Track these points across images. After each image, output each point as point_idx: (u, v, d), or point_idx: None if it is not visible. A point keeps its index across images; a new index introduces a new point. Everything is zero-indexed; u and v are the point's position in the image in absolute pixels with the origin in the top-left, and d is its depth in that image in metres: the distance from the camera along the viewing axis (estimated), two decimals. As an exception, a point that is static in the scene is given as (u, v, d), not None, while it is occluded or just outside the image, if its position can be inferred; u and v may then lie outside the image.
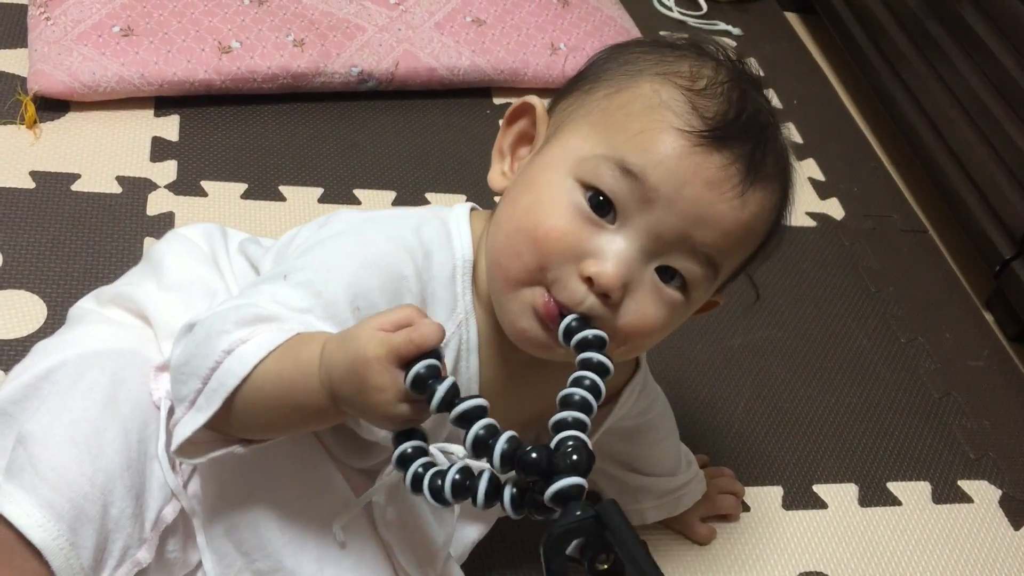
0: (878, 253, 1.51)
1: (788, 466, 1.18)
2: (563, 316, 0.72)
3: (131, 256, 1.16)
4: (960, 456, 1.25)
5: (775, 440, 1.21)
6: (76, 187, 1.25)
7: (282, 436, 0.75)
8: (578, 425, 0.62)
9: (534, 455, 0.59)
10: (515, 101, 0.82)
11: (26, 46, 1.39)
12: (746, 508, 1.12)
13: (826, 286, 1.43)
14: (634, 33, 1.68)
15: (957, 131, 1.51)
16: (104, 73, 1.33)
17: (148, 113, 1.37)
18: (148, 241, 1.20)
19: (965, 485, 1.21)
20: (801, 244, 1.48)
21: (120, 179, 1.28)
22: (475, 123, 1.50)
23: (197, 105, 1.40)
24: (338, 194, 1.34)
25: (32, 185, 1.24)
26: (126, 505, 0.76)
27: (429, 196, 1.37)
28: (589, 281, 0.71)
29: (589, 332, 0.69)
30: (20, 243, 1.17)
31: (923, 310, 1.44)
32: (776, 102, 1.70)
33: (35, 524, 0.71)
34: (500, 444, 0.59)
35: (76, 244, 1.18)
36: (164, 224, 1.22)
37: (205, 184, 1.30)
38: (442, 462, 0.64)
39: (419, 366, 0.61)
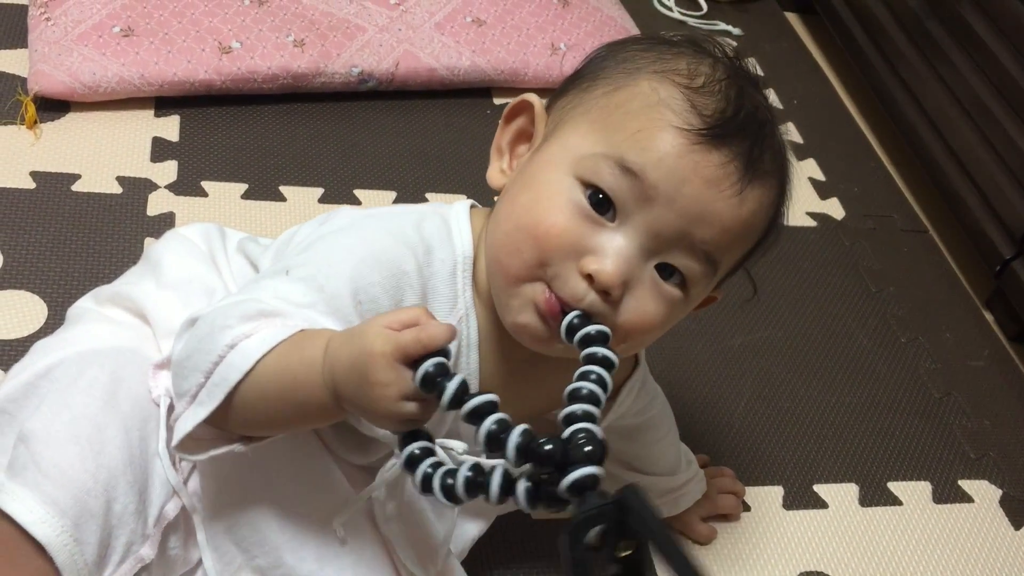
0: (878, 253, 1.51)
1: (789, 466, 1.18)
2: (564, 313, 0.72)
3: (131, 256, 1.16)
4: (960, 456, 1.25)
5: (775, 440, 1.21)
6: (76, 187, 1.25)
7: (283, 433, 0.75)
8: (588, 417, 0.62)
9: (549, 447, 0.59)
10: (513, 99, 0.82)
11: (26, 46, 1.39)
12: (746, 508, 1.12)
13: (826, 286, 1.43)
14: (634, 33, 1.68)
15: (957, 131, 1.51)
16: (104, 73, 1.33)
17: (148, 113, 1.37)
18: (148, 241, 1.20)
19: (966, 485, 1.21)
20: (801, 244, 1.48)
21: (120, 179, 1.28)
22: (475, 123, 1.50)
23: (197, 105, 1.40)
24: (338, 194, 1.34)
25: (32, 185, 1.24)
26: (129, 501, 0.76)
27: (429, 196, 1.37)
28: (589, 278, 0.72)
29: (592, 328, 0.70)
30: (20, 243, 1.17)
31: (923, 310, 1.44)
32: (776, 102, 1.70)
33: (38, 520, 0.71)
34: (514, 438, 0.59)
35: (76, 244, 1.18)
36: (164, 224, 1.23)
37: (205, 184, 1.30)
38: (447, 460, 0.64)
39: (428, 364, 0.61)
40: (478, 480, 0.61)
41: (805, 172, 1.60)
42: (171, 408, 0.80)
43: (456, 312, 0.78)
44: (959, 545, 1.14)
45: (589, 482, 0.58)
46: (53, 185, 1.24)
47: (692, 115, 0.72)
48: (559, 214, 0.73)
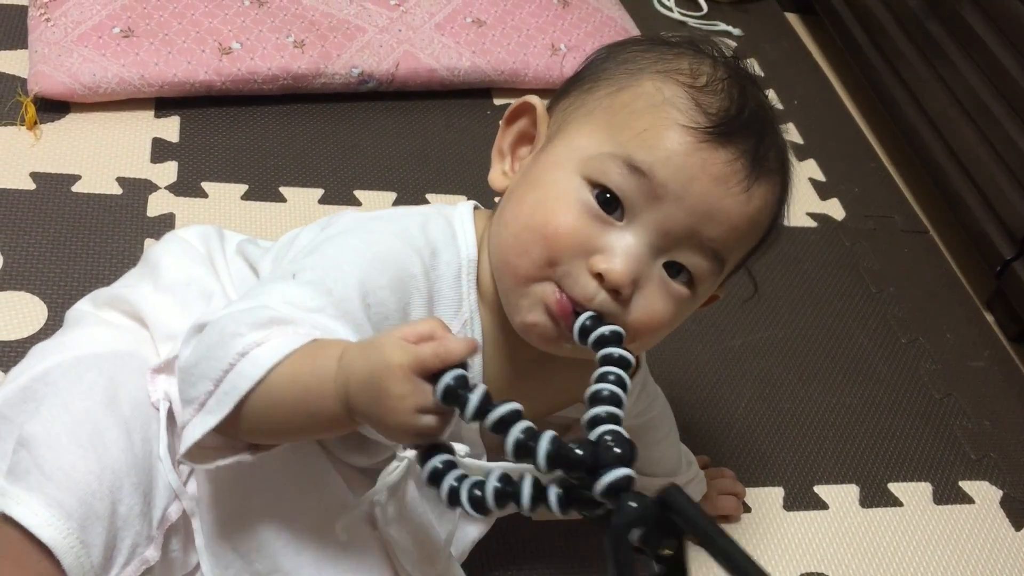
0: (879, 253, 1.51)
1: (789, 467, 1.18)
2: (576, 313, 0.72)
3: (131, 257, 1.16)
4: (961, 457, 1.25)
5: (776, 441, 1.21)
6: (76, 188, 1.25)
7: (291, 442, 0.75)
8: (613, 419, 0.62)
9: (579, 452, 0.59)
10: (515, 101, 0.82)
11: (26, 47, 1.39)
12: (747, 509, 1.12)
13: (827, 286, 1.43)
14: (634, 34, 1.68)
15: (957, 131, 1.51)
16: (104, 74, 1.33)
17: (148, 114, 1.37)
18: (148, 242, 1.20)
19: (966, 486, 1.21)
20: (802, 244, 1.48)
21: (120, 180, 1.28)
22: (475, 124, 1.50)
23: (197, 106, 1.40)
24: (339, 195, 1.34)
25: (32, 186, 1.24)
26: (135, 503, 0.76)
27: (430, 197, 1.37)
28: (599, 277, 0.72)
29: (606, 328, 0.70)
30: (20, 244, 1.17)
31: (924, 310, 1.44)
32: (776, 102, 1.70)
33: (44, 523, 0.71)
34: (544, 445, 0.59)
35: (76, 245, 1.18)
36: (164, 225, 1.22)
37: (206, 185, 1.30)
38: (469, 470, 0.64)
39: (448, 376, 0.60)
40: (507, 490, 0.60)
41: (805, 172, 1.60)
42: (171, 412, 0.80)
43: (461, 315, 0.78)
44: (959, 546, 1.14)
45: (624, 483, 0.58)
46: (53, 186, 1.24)
47: (697, 113, 0.72)
48: (568, 213, 0.73)
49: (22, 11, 1.44)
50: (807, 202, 1.55)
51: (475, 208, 0.83)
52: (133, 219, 1.23)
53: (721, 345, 1.29)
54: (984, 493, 1.21)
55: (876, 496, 1.18)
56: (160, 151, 1.33)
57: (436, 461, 0.62)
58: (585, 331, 0.71)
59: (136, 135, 1.34)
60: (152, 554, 0.77)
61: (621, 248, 0.72)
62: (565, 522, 0.99)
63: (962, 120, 1.50)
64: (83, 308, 0.90)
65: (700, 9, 1.90)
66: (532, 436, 0.59)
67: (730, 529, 1.09)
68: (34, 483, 0.72)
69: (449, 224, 0.80)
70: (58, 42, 1.35)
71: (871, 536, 1.13)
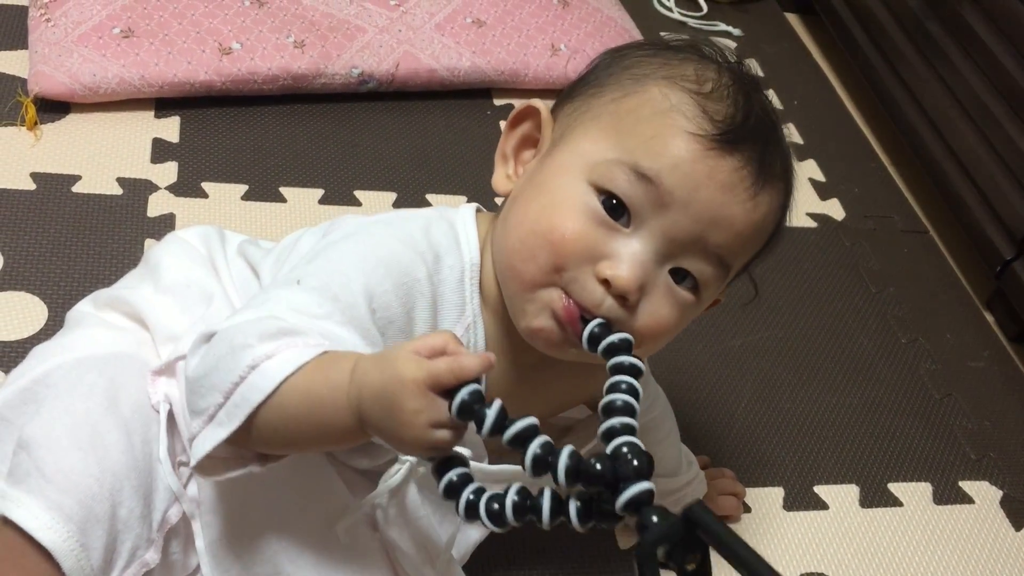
0: (879, 254, 1.51)
1: (789, 467, 1.18)
2: (583, 319, 0.72)
3: (132, 258, 1.16)
4: (961, 457, 1.25)
5: (776, 441, 1.21)
6: (77, 189, 1.25)
7: (301, 453, 0.75)
8: (628, 430, 0.62)
9: (599, 467, 0.59)
10: (517, 104, 0.82)
11: (26, 48, 1.39)
12: (747, 509, 1.12)
13: (827, 287, 1.43)
14: (635, 34, 1.68)
15: (957, 131, 1.51)
16: (104, 74, 1.33)
17: (149, 114, 1.37)
18: (149, 243, 1.20)
19: (966, 486, 1.21)
20: (802, 245, 1.48)
21: (121, 180, 1.28)
22: (476, 124, 1.50)
23: (198, 106, 1.40)
24: (339, 195, 1.34)
25: (33, 187, 1.24)
26: (135, 505, 0.76)
27: (430, 197, 1.37)
28: (606, 283, 0.72)
29: (616, 336, 0.70)
30: (21, 245, 1.17)
31: (924, 311, 1.44)
32: (776, 102, 1.70)
33: (44, 526, 0.71)
34: (563, 461, 0.59)
35: (77, 246, 1.18)
36: (165, 226, 1.22)
37: (206, 185, 1.30)
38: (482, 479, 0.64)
39: (464, 392, 0.60)
40: (527, 504, 0.61)
41: (805, 173, 1.60)
42: (171, 414, 0.80)
43: (464, 319, 0.78)
44: (960, 546, 1.14)
45: (645, 497, 0.58)
46: (53, 186, 1.24)
47: (704, 120, 0.72)
48: (575, 219, 0.73)
49: (22, 11, 1.44)
50: (807, 202, 1.56)
51: (477, 211, 0.83)
52: (133, 219, 1.23)
53: (721, 345, 1.29)
54: (984, 493, 1.21)
55: (876, 496, 1.18)
56: (160, 151, 1.33)
57: (452, 475, 0.62)
58: (594, 339, 0.70)
59: (136, 135, 1.34)
60: (152, 557, 0.77)
61: (628, 255, 0.72)
62: (565, 524, 0.99)
63: (962, 120, 1.51)
64: (84, 309, 0.89)
65: (700, 9, 1.90)
66: (550, 451, 0.59)
67: (730, 529, 1.10)
68: (34, 486, 0.72)
69: (452, 227, 0.80)
70: (58, 42, 1.35)
71: (871, 536, 1.13)
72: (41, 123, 1.31)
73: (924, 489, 1.20)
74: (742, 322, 1.33)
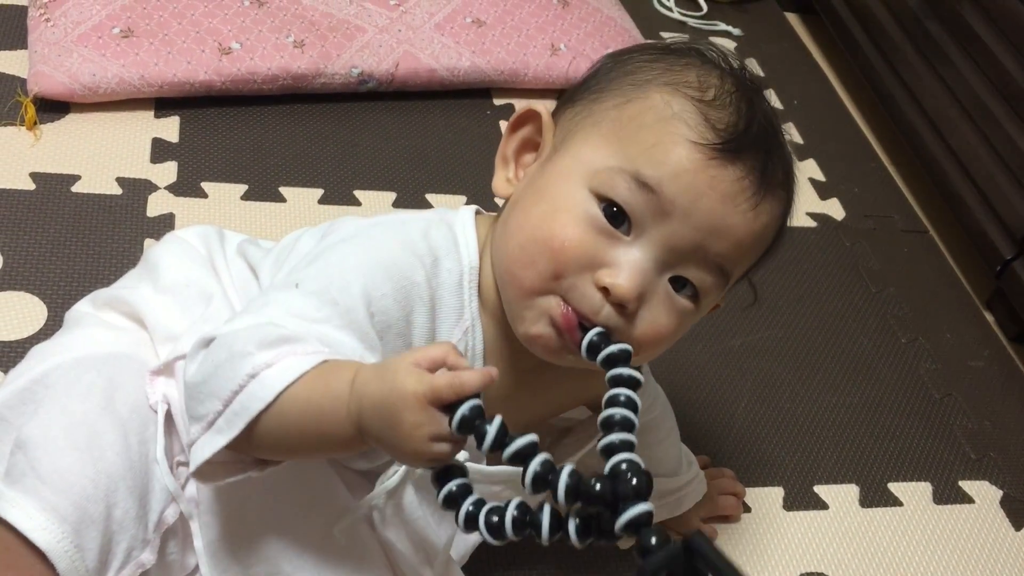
0: (878, 253, 1.51)
1: (789, 467, 1.18)
2: (582, 327, 0.72)
3: (131, 257, 1.16)
4: (961, 456, 1.25)
5: (776, 441, 1.21)
6: (76, 188, 1.25)
7: (300, 459, 0.75)
8: (627, 447, 0.63)
9: (599, 487, 0.59)
10: (518, 106, 0.82)
11: (26, 47, 1.39)
12: (747, 509, 1.12)
13: (827, 286, 1.43)
14: (634, 34, 1.68)
15: (957, 131, 1.51)
16: (104, 74, 1.33)
17: (148, 114, 1.37)
18: (148, 242, 1.20)
19: (966, 485, 1.21)
20: (802, 244, 1.48)
21: (120, 180, 1.28)
22: (475, 124, 1.50)
23: (197, 106, 1.40)
24: (338, 195, 1.34)
25: (32, 186, 1.24)
26: (130, 506, 0.76)
27: (429, 197, 1.37)
28: (605, 291, 0.72)
29: (615, 347, 0.69)
30: (20, 245, 1.17)
31: (924, 310, 1.44)
32: (776, 102, 1.70)
33: (38, 527, 0.71)
34: (563, 479, 0.59)
35: (76, 245, 1.18)
36: (164, 225, 1.22)
37: (205, 185, 1.30)
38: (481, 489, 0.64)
39: (465, 407, 0.61)
40: (526, 519, 0.61)
41: (805, 172, 1.60)
42: (168, 414, 0.80)
43: (463, 323, 0.78)
44: (960, 546, 1.14)
45: (644, 519, 0.59)
46: (53, 186, 1.24)
47: (706, 129, 0.72)
48: (575, 227, 0.72)
49: (22, 11, 1.44)
50: (807, 202, 1.55)
51: (477, 213, 0.83)
52: (133, 219, 1.23)
53: (721, 345, 1.29)
54: (984, 493, 1.21)
55: (876, 496, 1.18)
56: (160, 151, 1.33)
57: (452, 485, 0.63)
58: (593, 348, 0.70)
59: (136, 135, 1.34)
60: (148, 557, 0.77)
61: (627, 263, 0.72)
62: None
63: (962, 120, 1.50)
64: (83, 309, 0.89)
65: (700, 9, 1.90)
66: (551, 469, 0.60)
67: (730, 529, 1.10)
68: (29, 486, 0.72)
69: (451, 230, 0.79)
70: (58, 42, 1.35)
71: (871, 536, 1.13)
72: (41, 123, 1.31)
73: (924, 489, 1.20)
74: (742, 322, 1.33)
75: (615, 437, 0.63)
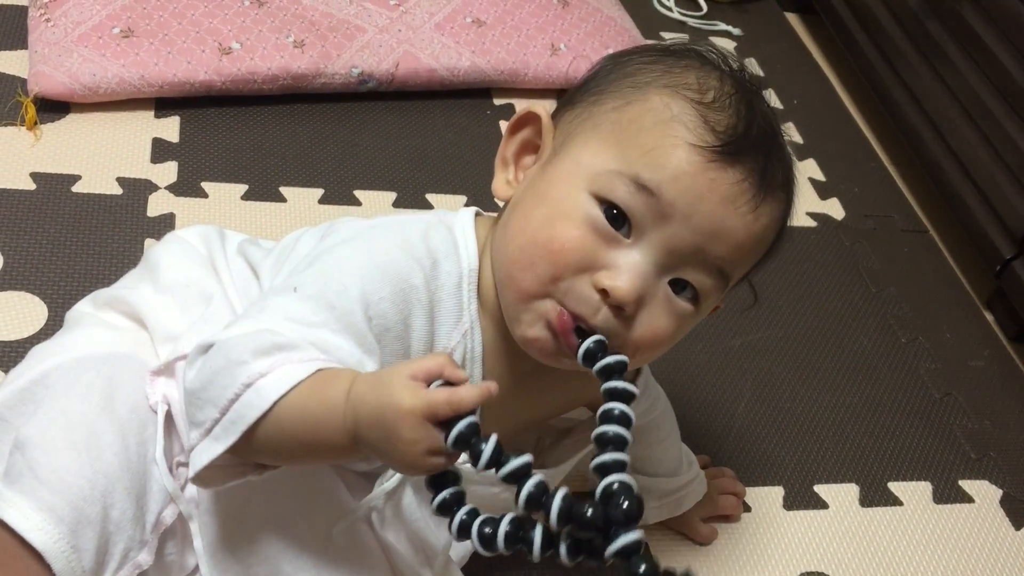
0: (879, 253, 1.51)
1: (789, 466, 1.18)
2: (579, 330, 0.72)
3: (132, 257, 1.16)
4: (961, 456, 1.25)
5: (776, 440, 1.21)
6: (76, 188, 1.25)
7: (299, 465, 0.75)
8: (619, 467, 0.63)
9: (590, 513, 0.60)
10: (519, 106, 0.82)
11: (26, 47, 1.39)
12: (747, 508, 1.12)
13: (827, 286, 1.43)
14: (634, 34, 1.68)
15: (957, 131, 1.51)
16: (104, 74, 1.33)
17: (148, 114, 1.37)
18: (149, 242, 1.20)
19: (966, 485, 1.21)
20: (802, 244, 1.48)
21: (121, 180, 1.28)
22: (475, 124, 1.50)
23: (197, 106, 1.40)
24: (339, 195, 1.34)
25: (33, 186, 1.24)
26: (127, 507, 0.76)
27: (429, 197, 1.37)
28: (604, 293, 0.71)
29: (611, 359, 0.69)
30: (21, 244, 1.17)
31: (924, 310, 1.44)
32: (776, 102, 1.70)
33: (35, 528, 0.71)
34: (556, 503, 0.60)
35: (77, 245, 1.18)
36: (165, 225, 1.22)
37: (206, 185, 1.30)
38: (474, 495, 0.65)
39: (461, 425, 0.61)
40: (519, 534, 0.62)
41: (805, 172, 1.60)
42: (169, 415, 0.80)
43: (461, 325, 0.78)
44: (960, 545, 1.14)
45: (634, 547, 0.59)
46: (53, 186, 1.24)
47: (706, 131, 0.72)
48: (575, 229, 0.72)
49: (22, 11, 1.44)
50: (807, 202, 1.55)
51: (477, 214, 0.83)
52: (133, 219, 1.23)
53: (721, 345, 1.29)
54: (984, 492, 1.21)
55: (876, 495, 1.18)
56: (160, 151, 1.33)
57: (446, 494, 0.63)
58: (590, 356, 0.70)
59: (136, 135, 1.34)
60: (145, 558, 0.77)
61: (627, 265, 0.72)
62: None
63: (962, 120, 1.50)
64: (83, 309, 0.90)
65: (700, 9, 1.90)
66: (544, 492, 0.61)
67: (730, 529, 1.10)
68: (27, 486, 0.72)
69: (451, 232, 0.79)
70: (58, 42, 1.35)
71: (871, 535, 1.13)
72: (41, 123, 1.32)
73: (924, 488, 1.20)
74: (742, 322, 1.33)
75: (608, 457, 0.63)
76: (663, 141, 0.72)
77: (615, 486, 0.61)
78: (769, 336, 1.33)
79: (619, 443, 0.64)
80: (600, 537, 0.60)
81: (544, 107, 0.81)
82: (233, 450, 0.69)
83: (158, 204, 1.26)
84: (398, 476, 0.77)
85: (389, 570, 0.82)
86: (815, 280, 1.43)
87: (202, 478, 0.71)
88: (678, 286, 0.74)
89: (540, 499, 0.61)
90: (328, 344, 0.70)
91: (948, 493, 1.20)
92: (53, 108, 1.33)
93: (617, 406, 0.66)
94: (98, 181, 1.27)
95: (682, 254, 0.73)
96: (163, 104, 1.39)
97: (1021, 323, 1.42)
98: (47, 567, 0.71)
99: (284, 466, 0.74)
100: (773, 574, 1.07)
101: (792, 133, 1.64)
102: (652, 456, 1.00)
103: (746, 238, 0.74)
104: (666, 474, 1.02)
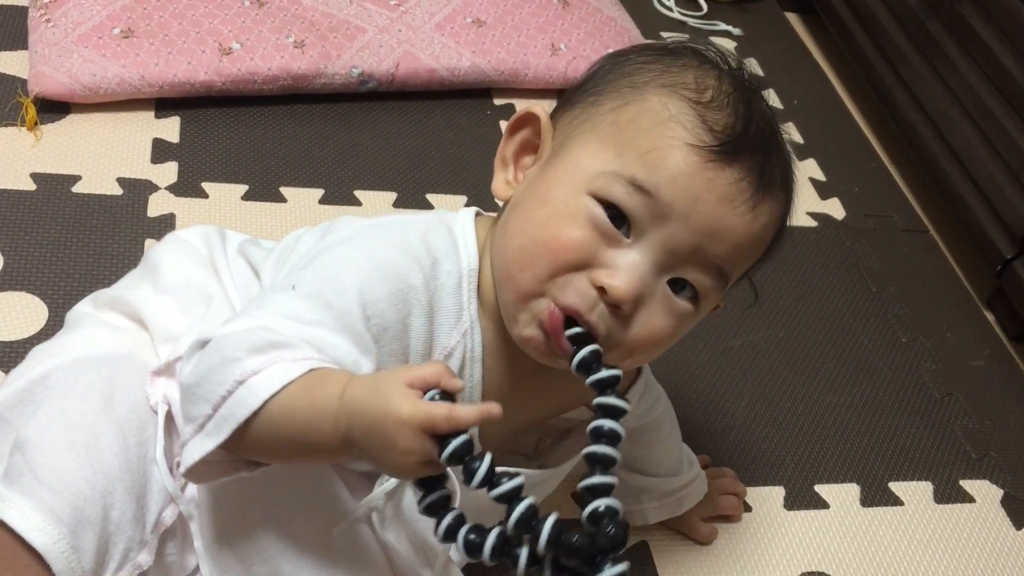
0: (879, 253, 1.51)
1: (790, 466, 1.18)
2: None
3: (132, 258, 1.16)
4: (962, 456, 1.25)
5: (776, 440, 1.21)
6: (77, 189, 1.25)
7: (291, 463, 0.75)
8: (606, 490, 0.64)
9: (576, 541, 0.61)
10: (519, 106, 0.82)
11: (27, 48, 1.39)
12: (748, 508, 1.12)
13: (827, 286, 1.43)
14: (634, 34, 1.68)
15: (958, 131, 1.51)
16: (105, 75, 1.33)
17: (149, 115, 1.37)
18: (149, 243, 1.20)
19: (967, 485, 1.21)
20: (802, 244, 1.48)
21: (121, 181, 1.28)
22: (476, 124, 1.50)
23: (198, 107, 1.40)
24: (339, 195, 1.34)
25: (33, 187, 1.24)
26: (127, 508, 0.76)
27: (430, 197, 1.37)
28: (601, 291, 0.71)
29: (605, 373, 0.69)
30: (21, 245, 1.17)
31: (924, 310, 1.44)
32: (776, 103, 1.70)
33: (35, 528, 0.71)
34: (546, 529, 0.61)
35: (77, 246, 1.18)
36: (165, 226, 1.22)
37: (206, 186, 1.30)
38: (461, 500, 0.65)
39: (456, 442, 0.62)
40: (504, 549, 0.63)
41: (806, 172, 1.60)
42: (169, 415, 0.80)
43: (461, 325, 0.78)
44: (960, 545, 1.14)
45: None
46: (53, 187, 1.25)
47: (703, 131, 0.72)
48: (576, 228, 0.72)
49: (22, 12, 1.44)
50: (807, 202, 1.55)
51: (477, 214, 0.83)
52: (133, 220, 1.23)
53: (721, 345, 1.29)
54: (985, 492, 1.21)
55: (877, 495, 1.18)
56: (160, 151, 1.33)
57: (433, 497, 0.64)
58: (585, 365, 0.70)
59: (136, 135, 1.34)
60: (145, 559, 0.77)
61: (625, 265, 0.72)
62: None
63: (962, 120, 1.50)
64: (83, 309, 0.90)
65: (700, 9, 1.90)
66: (534, 515, 0.62)
67: (731, 529, 1.10)
68: (27, 487, 0.72)
69: (450, 232, 0.79)
70: (58, 43, 1.35)
71: (872, 535, 1.13)
72: (41, 123, 1.32)
73: (925, 488, 1.20)
74: (742, 322, 1.33)
75: (598, 480, 0.64)
76: (660, 142, 0.72)
77: (601, 509, 0.62)
78: (770, 336, 1.33)
79: (608, 463, 0.65)
80: (586, 567, 0.61)
81: (543, 107, 0.80)
82: (225, 446, 0.69)
83: (158, 204, 1.26)
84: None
85: (389, 570, 0.82)
86: (815, 280, 1.43)
87: (194, 473, 0.71)
88: (677, 285, 0.74)
89: (530, 522, 0.62)
90: (324, 343, 0.70)
91: (949, 493, 1.20)
92: (53, 108, 1.33)
93: (607, 423, 0.67)
94: (98, 181, 1.27)
95: (681, 254, 0.73)
96: (163, 104, 1.39)
97: (1022, 323, 1.42)
98: (47, 567, 0.71)
99: (277, 464, 0.73)
100: (774, 574, 1.07)
101: (792, 133, 1.64)
102: (653, 456, 1.00)
103: (745, 237, 0.74)
104: (667, 474, 1.02)
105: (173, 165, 1.31)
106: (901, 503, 1.17)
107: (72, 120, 1.34)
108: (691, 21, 1.87)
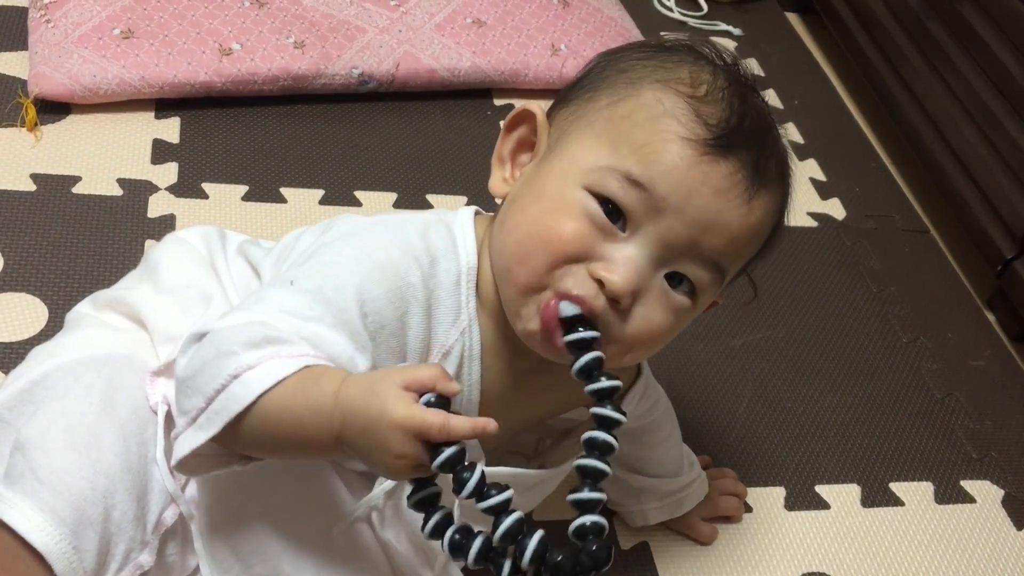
0: (879, 253, 1.51)
1: (790, 467, 1.18)
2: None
3: (132, 258, 1.16)
4: (962, 456, 1.25)
5: (777, 441, 1.20)
6: (77, 189, 1.25)
7: (283, 459, 0.75)
8: (593, 506, 0.64)
9: (560, 560, 0.62)
10: (516, 106, 0.82)
11: (27, 49, 1.39)
12: (748, 509, 1.12)
13: (827, 286, 1.43)
14: (635, 34, 1.68)
15: (958, 131, 1.51)
16: (105, 75, 1.33)
17: (149, 115, 1.37)
18: (149, 243, 1.20)
19: (967, 485, 1.21)
20: (802, 244, 1.48)
21: (121, 181, 1.28)
22: (476, 124, 1.50)
23: (198, 107, 1.40)
24: (339, 196, 1.34)
25: (33, 188, 1.24)
26: (128, 508, 0.76)
27: (430, 197, 1.37)
28: (599, 284, 0.71)
29: (606, 383, 0.69)
30: (21, 246, 1.17)
31: (925, 310, 1.44)
32: (776, 103, 1.70)
33: (36, 529, 0.71)
34: (532, 545, 0.62)
35: (77, 246, 1.18)
36: (165, 226, 1.22)
37: (206, 186, 1.30)
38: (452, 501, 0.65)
39: (449, 452, 0.62)
40: (488, 555, 0.63)
41: (806, 172, 1.60)
42: (169, 415, 0.80)
43: (459, 323, 0.78)
44: (961, 546, 1.14)
45: None
46: (54, 187, 1.24)
47: (698, 125, 0.72)
48: (572, 221, 0.72)
49: (22, 12, 1.44)
50: (807, 202, 1.55)
51: (476, 213, 0.83)
52: (133, 220, 1.23)
53: (721, 345, 1.29)
54: (986, 492, 1.21)
55: (877, 496, 1.18)
56: (160, 152, 1.33)
57: (423, 495, 0.65)
58: (586, 372, 0.70)
59: (136, 136, 1.34)
60: (146, 559, 0.77)
61: (623, 259, 0.72)
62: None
63: (963, 119, 1.50)
64: (83, 310, 0.90)
65: (700, 9, 1.90)
66: (521, 529, 0.62)
67: (732, 529, 1.09)
68: (28, 487, 0.72)
69: (449, 231, 0.79)
70: (58, 43, 1.35)
71: (872, 536, 1.13)
72: (41, 124, 1.32)
73: (925, 488, 1.20)
74: (742, 322, 1.33)
75: (587, 495, 0.65)
76: (655, 136, 0.72)
77: (587, 524, 0.63)
78: (770, 336, 1.33)
79: (597, 476, 0.65)
80: None
81: (540, 106, 0.81)
82: (217, 440, 0.69)
83: (158, 205, 1.26)
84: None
85: (389, 570, 0.82)
86: (816, 280, 1.43)
87: (185, 465, 0.71)
88: (674, 280, 0.74)
89: (516, 536, 0.62)
90: (321, 339, 0.70)
91: (949, 493, 1.20)
92: (53, 109, 1.33)
93: (600, 435, 0.67)
94: (98, 182, 1.27)
95: (677, 247, 0.73)
96: (163, 105, 1.39)
97: (1022, 323, 1.41)
98: (48, 568, 0.71)
99: (269, 458, 0.74)
100: (775, 575, 1.07)
101: (792, 133, 1.64)
102: (653, 456, 1.00)
103: (741, 231, 0.74)
104: (667, 475, 1.02)
105: (173, 166, 1.31)
106: (902, 503, 1.17)
107: (72, 121, 1.34)
108: (691, 21, 1.87)
